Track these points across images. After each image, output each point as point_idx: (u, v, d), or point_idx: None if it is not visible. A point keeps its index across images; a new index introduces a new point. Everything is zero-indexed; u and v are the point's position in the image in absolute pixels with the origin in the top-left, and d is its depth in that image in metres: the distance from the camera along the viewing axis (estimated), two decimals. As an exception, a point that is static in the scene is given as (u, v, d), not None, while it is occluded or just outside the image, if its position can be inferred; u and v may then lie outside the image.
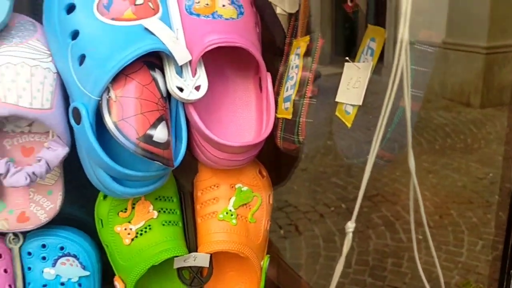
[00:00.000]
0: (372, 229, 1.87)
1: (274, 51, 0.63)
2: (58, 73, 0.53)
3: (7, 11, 0.50)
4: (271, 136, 0.59)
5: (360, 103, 0.45)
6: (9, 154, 0.53)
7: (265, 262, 0.65)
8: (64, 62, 0.51)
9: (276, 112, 0.58)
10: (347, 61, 0.49)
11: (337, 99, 0.50)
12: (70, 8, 0.51)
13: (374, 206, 2.03)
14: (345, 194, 2.14)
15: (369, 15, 0.52)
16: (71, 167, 0.58)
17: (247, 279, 0.66)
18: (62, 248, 0.59)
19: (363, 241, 1.80)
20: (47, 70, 0.52)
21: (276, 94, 0.60)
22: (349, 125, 0.46)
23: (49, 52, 0.53)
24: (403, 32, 0.33)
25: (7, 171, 0.50)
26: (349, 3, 0.49)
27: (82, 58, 0.50)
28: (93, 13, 0.51)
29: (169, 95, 0.54)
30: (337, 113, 0.49)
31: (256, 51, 0.56)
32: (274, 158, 0.68)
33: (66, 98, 0.54)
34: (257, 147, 0.58)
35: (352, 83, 0.47)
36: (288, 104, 0.56)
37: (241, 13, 0.58)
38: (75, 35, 0.51)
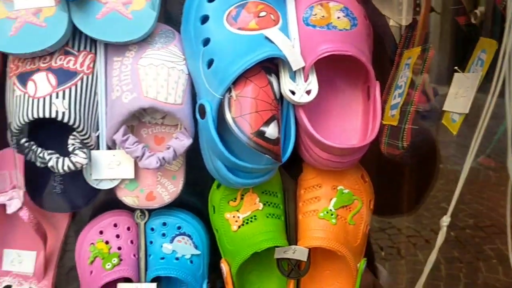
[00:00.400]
0: (483, 262, 1.74)
1: (384, 61, 0.65)
2: (189, 74, 0.62)
3: (153, 21, 0.59)
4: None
5: (467, 111, 0.46)
6: (144, 141, 0.63)
7: (362, 264, 0.66)
8: (196, 65, 0.60)
9: (382, 119, 0.61)
10: (456, 71, 0.50)
11: (444, 108, 0.51)
12: (204, 19, 0.60)
13: (487, 237, 1.89)
14: (455, 222, 2.02)
15: (484, 29, 0.52)
16: (191, 159, 0.66)
17: (343, 279, 0.68)
18: (179, 228, 0.67)
19: (472, 273, 1.68)
20: (181, 71, 0.61)
21: (383, 102, 0.63)
22: (454, 132, 0.47)
23: (183, 57, 0.62)
24: (507, 42, 0.34)
25: (143, 154, 0.59)
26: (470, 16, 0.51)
27: (210, 62, 0.58)
28: (223, 24, 0.59)
29: (281, 97, 0.60)
30: (443, 121, 0.51)
31: (366, 61, 0.60)
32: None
33: (192, 97, 0.63)
34: (360, 151, 0.61)
35: (461, 93, 0.48)
36: (395, 111, 0.58)
37: (355, 25, 0.62)
38: (206, 42, 0.59)
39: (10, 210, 0.62)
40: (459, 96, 0.48)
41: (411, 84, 0.56)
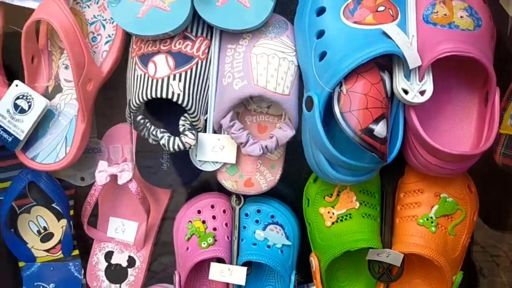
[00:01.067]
0: None
1: (506, 67, 0.61)
2: (298, 66, 0.62)
3: (270, 11, 0.60)
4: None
5: None
6: (248, 129, 0.64)
7: (458, 277, 0.63)
8: (307, 57, 0.60)
9: (499, 127, 0.57)
10: None
11: None
12: (320, 11, 0.59)
13: None
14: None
15: None
16: (290, 150, 0.67)
17: (435, 289, 0.66)
18: (272, 217, 0.68)
19: None
20: (291, 62, 0.62)
21: (502, 109, 0.59)
22: None
23: (294, 48, 0.62)
24: None
25: (247, 141, 0.61)
26: None
27: (323, 55, 0.58)
28: (339, 16, 0.58)
29: (392, 95, 0.58)
30: None
31: (489, 64, 0.56)
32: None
33: (299, 88, 0.63)
34: (472, 159, 0.58)
35: None
36: (516, 121, 0.54)
37: (479, 26, 0.58)
38: (320, 34, 0.59)
39: (120, 181, 0.66)
40: None
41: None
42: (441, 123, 0.61)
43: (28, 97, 0.62)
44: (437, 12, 0.59)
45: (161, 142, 0.60)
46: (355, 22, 0.58)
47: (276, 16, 0.64)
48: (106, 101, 0.70)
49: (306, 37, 0.60)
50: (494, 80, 0.57)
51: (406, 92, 0.57)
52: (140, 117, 0.62)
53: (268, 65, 0.60)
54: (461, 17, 0.58)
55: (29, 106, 0.63)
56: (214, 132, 0.64)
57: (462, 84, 0.62)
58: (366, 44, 0.56)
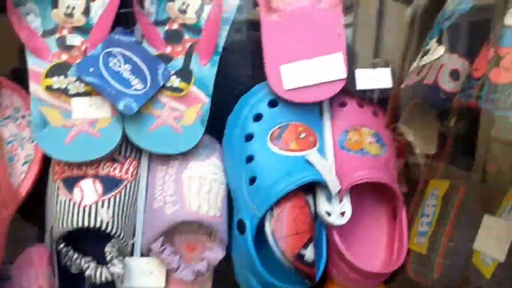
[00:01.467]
0: None
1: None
2: (227, 185, 0.65)
3: (201, 136, 0.62)
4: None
5: (502, 260, 0.49)
6: (177, 248, 0.64)
7: None
8: (237, 180, 0.62)
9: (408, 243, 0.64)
10: (487, 213, 0.54)
11: (475, 246, 0.54)
12: (249, 137, 0.63)
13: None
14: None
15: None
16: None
17: None
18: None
19: None
20: (220, 183, 0.63)
21: (408, 224, 0.66)
22: (487, 276, 0.50)
23: (223, 168, 0.65)
24: None
25: (179, 266, 0.60)
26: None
27: (253, 179, 0.61)
28: (267, 143, 0.62)
29: (315, 217, 0.63)
30: (473, 260, 0.54)
31: (396, 187, 0.64)
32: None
33: (228, 209, 0.65)
34: (386, 275, 0.63)
35: (494, 235, 0.52)
36: (423, 240, 0.61)
37: (385, 151, 0.66)
38: (249, 159, 0.62)
39: (34, 313, 0.60)
40: (492, 238, 0.52)
41: (441, 216, 0.60)
42: (357, 238, 0.67)
43: None
44: (350, 138, 0.66)
45: (87, 273, 0.57)
46: (281, 149, 0.62)
47: (206, 136, 0.66)
48: (18, 221, 0.65)
49: (236, 161, 0.63)
50: (402, 200, 0.64)
51: (329, 214, 0.62)
52: (62, 245, 0.58)
53: (200, 188, 0.62)
54: (370, 143, 0.66)
55: None
56: (141, 255, 0.62)
57: (372, 200, 0.69)
58: (293, 171, 0.60)
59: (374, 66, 0.64)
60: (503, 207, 0.53)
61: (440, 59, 0.55)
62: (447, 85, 0.54)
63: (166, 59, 0.60)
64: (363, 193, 0.68)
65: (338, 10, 0.61)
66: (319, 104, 0.65)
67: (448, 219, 0.59)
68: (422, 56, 0.60)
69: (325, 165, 0.62)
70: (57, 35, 0.59)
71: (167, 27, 0.61)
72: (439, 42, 0.57)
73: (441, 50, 0.56)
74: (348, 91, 0.65)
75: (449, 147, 0.62)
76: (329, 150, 0.65)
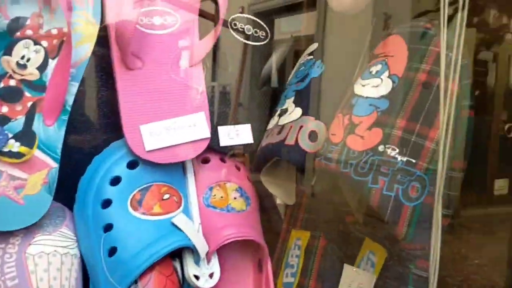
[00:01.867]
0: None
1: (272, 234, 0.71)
2: (81, 257, 0.57)
3: (48, 204, 0.54)
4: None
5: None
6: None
7: None
8: (94, 251, 0.56)
9: (275, 295, 0.65)
10: (346, 263, 0.57)
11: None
12: (106, 203, 0.57)
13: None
14: None
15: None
16: None
17: None
18: None
19: None
20: (74, 256, 0.56)
21: (273, 274, 0.67)
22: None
23: (75, 238, 0.57)
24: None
25: None
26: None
27: (113, 250, 0.55)
28: (127, 208, 0.57)
29: (183, 281, 0.59)
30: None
31: (261, 240, 0.64)
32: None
33: (84, 281, 0.57)
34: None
35: (355, 285, 0.55)
36: (289, 291, 0.63)
37: (249, 204, 0.67)
38: (108, 228, 0.56)
39: None
40: (352, 288, 0.55)
41: (304, 267, 0.62)
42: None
43: None
44: (215, 195, 0.64)
45: None
46: (143, 213, 0.58)
47: (53, 203, 0.58)
48: None
49: (91, 230, 0.57)
50: (266, 253, 0.65)
51: (197, 277, 0.59)
52: None
53: (49, 265, 0.53)
54: (235, 198, 0.66)
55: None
56: None
57: (238, 256, 0.68)
58: (158, 238, 0.56)
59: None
60: (361, 257, 0.57)
61: (298, 121, 0.58)
62: (307, 146, 0.57)
63: (2, 120, 0.51)
64: (229, 249, 0.67)
65: (199, 68, 0.60)
66: (182, 161, 0.63)
67: (312, 270, 0.61)
68: (280, 115, 0.62)
69: (192, 228, 0.59)
70: (1, 84, 0.50)
71: (2, 84, 0.52)
72: (296, 103, 0.59)
73: (298, 112, 0.59)
74: (210, 147, 0.64)
75: (309, 199, 0.65)
76: (195, 210, 0.62)
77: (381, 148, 0.47)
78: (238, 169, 0.68)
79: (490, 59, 0.89)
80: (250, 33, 0.65)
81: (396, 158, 0.46)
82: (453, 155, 0.47)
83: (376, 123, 0.48)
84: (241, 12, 0.70)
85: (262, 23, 0.67)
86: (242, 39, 0.65)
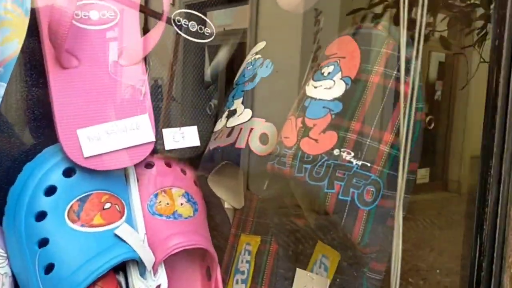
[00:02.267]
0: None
1: (219, 238, 0.69)
2: (13, 276, 0.52)
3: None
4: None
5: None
6: None
7: None
8: (28, 269, 0.50)
9: (225, 302, 0.63)
10: (298, 267, 0.56)
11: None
12: (40, 215, 0.52)
13: None
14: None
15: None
16: None
17: None
18: None
19: None
20: (5, 275, 0.51)
21: (223, 281, 0.65)
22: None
23: (6, 255, 0.52)
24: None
25: None
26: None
27: (50, 267, 0.50)
28: (64, 220, 0.52)
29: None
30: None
31: (210, 246, 0.61)
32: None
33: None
34: None
35: (307, 289, 0.54)
36: (241, 299, 0.61)
37: (196, 210, 0.64)
38: (43, 243, 0.51)
39: None
40: (305, 294, 0.54)
41: (256, 273, 0.60)
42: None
43: None
44: (160, 202, 0.61)
45: None
46: (83, 225, 0.53)
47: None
48: None
49: (24, 245, 0.51)
50: (216, 260, 0.63)
51: (143, 291, 0.55)
52: None
53: (-27, 289, 0.48)
54: (182, 204, 0.62)
55: None
56: None
57: (186, 264, 0.65)
58: (100, 251, 0.52)
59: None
60: (313, 261, 0.56)
61: (248, 123, 0.56)
62: (258, 148, 0.55)
63: None
64: (176, 258, 0.64)
65: (140, 67, 0.56)
66: (124, 167, 0.59)
67: (264, 275, 0.60)
68: (228, 117, 0.60)
69: (137, 239, 0.55)
70: None
71: None
72: (245, 104, 0.57)
73: (248, 113, 0.57)
74: (154, 151, 0.60)
75: (259, 202, 0.63)
76: (139, 219, 0.58)
77: (336, 152, 0.46)
78: (184, 173, 0.64)
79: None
80: (194, 29, 0.62)
81: (352, 162, 0.46)
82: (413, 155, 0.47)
83: (330, 126, 0.47)
84: (173, 4, 0.67)
85: (207, 19, 0.64)
86: (186, 36, 0.61)
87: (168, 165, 0.63)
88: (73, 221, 0.53)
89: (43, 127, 0.55)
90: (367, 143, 0.46)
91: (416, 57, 0.42)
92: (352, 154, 0.46)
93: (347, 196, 0.45)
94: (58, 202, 0.53)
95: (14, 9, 0.50)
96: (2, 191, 0.54)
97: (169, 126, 0.60)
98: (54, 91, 0.52)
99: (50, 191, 0.53)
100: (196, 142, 0.62)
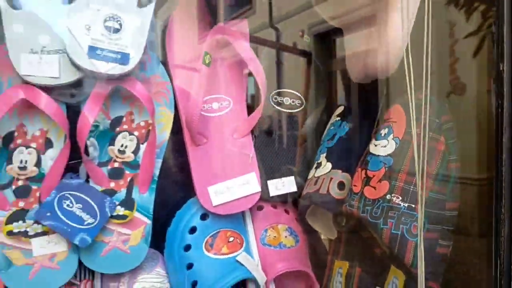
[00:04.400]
0: None
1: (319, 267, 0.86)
2: (171, 290, 0.76)
3: (146, 253, 0.73)
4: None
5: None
6: None
7: None
8: (181, 286, 0.74)
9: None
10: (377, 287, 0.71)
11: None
12: (187, 248, 0.75)
13: None
14: None
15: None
16: None
17: None
18: None
19: None
20: (166, 290, 0.75)
21: (323, 299, 0.82)
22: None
23: (166, 275, 0.76)
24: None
25: None
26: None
27: (195, 283, 0.73)
28: (203, 251, 0.75)
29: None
30: None
31: (310, 271, 0.79)
32: None
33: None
34: None
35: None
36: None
37: (298, 241, 0.82)
38: (190, 266, 0.74)
39: None
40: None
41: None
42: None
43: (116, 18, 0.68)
44: (269, 235, 0.81)
45: None
46: (215, 254, 0.75)
47: (149, 250, 0.77)
48: None
49: (177, 269, 0.75)
50: (315, 280, 0.80)
51: (258, 307, 0.75)
52: None
53: (149, 299, 0.72)
54: (285, 236, 0.81)
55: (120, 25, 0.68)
56: None
57: (292, 284, 0.83)
58: (227, 272, 0.73)
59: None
60: (388, 281, 0.70)
61: (329, 173, 0.73)
62: (336, 194, 0.72)
63: (111, 193, 0.71)
64: (283, 279, 0.83)
65: (248, 138, 0.78)
66: (241, 211, 0.80)
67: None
68: (316, 168, 0.77)
69: (252, 263, 0.75)
70: (13, 187, 0.68)
71: (109, 166, 0.72)
72: (327, 159, 0.75)
73: (329, 166, 0.74)
74: (263, 198, 0.80)
75: (346, 235, 0.79)
76: (254, 248, 0.79)
77: (388, 196, 0.61)
78: (287, 212, 0.84)
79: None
80: (288, 103, 0.82)
81: (400, 204, 0.60)
82: (446, 199, 0.60)
83: (384, 177, 0.62)
84: (301, 36, 0.86)
85: (297, 93, 0.83)
86: (282, 109, 0.82)
87: (274, 207, 0.83)
88: (208, 251, 0.75)
89: (187, 185, 0.79)
90: (411, 189, 0.60)
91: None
92: (400, 198, 0.60)
93: (398, 230, 0.60)
94: (198, 238, 0.76)
95: (165, 110, 0.75)
96: (162, 232, 0.78)
97: (272, 177, 0.80)
98: (192, 160, 0.76)
99: (193, 230, 0.76)
100: (294, 189, 0.81)
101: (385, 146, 0.65)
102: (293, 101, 0.83)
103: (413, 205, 0.60)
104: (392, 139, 0.64)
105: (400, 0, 0.61)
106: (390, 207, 0.61)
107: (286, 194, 0.82)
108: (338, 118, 0.80)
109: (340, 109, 0.81)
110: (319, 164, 0.77)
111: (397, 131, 0.64)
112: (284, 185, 0.81)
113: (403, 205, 0.60)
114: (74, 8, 0.68)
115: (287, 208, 0.84)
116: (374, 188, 0.63)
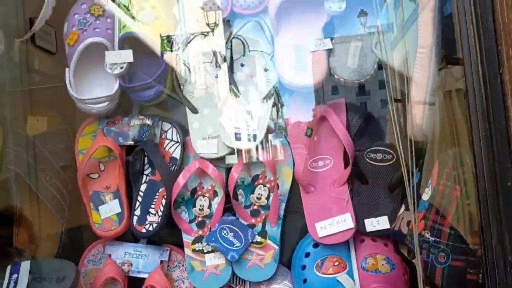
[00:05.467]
0: None
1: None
2: (296, 299, 1.06)
3: (276, 268, 1.06)
4: None
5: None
6: None
7: None
8: (299, 297, 1.04)
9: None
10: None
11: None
12: (303, 267, 1.04)
13: None
14: None
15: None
16: None
17: None
18: None
19: None
20: (288, 298, 1.05)
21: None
22: None
23: (292, 287, 1.06)
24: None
25: None
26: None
27: (308, 293, 1.02)
28: (314, 270, 1.03)
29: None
30: None
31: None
32: None
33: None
34: None
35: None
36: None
37: (393, 268, 1.01)
38: (305, 281, 1.03)
39: None
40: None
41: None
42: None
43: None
44: (368, 262, 1.03)
45: None
46: (323, 273, 1.02)
47: (281, 267, 1.09)
48: None
49: (296, 282, 1.05)
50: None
51: (356, 311, 0.98)
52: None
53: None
54: (382, 264, 1.02)
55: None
56: None
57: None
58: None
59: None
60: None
61: (402, 213, 0.93)
62: (405, 230, 0.91)
63: (252, 226, 1.08)
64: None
65: (345, 187, 1.04)
66: (346, 242, 1.04)
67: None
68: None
69: (350, 283, 0.99)
70: (196, 221, 1.11)
71: (251, 208, 1.09)
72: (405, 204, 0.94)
73: (402, 208, 0.94)
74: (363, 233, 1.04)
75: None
76: (355, 272, 1.03)
77: (423, 232, 0.78)
78: (386, 245, 1.04)
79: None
80: (380, 158, 1.04)
81: (429, 239, 0.76)
82: (466, 234, 0.73)
83: (422, 217, 0.80)
84: None
85: (388, 149, 1.05)
86: (375, 163, 1.04)
87: (374, 240, 1.05)
88: (318, 271, 1.03)
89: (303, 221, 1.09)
90: (436, 227, 0.76)
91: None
92: (429, 233, 0.76)
93: (428, 259, 0.76)
94: (311, 261, 1.05)
95: (287, 168, 1.08)
96: (288, 255, 1.10)
97: (368, 217, 1.03)
98: (304, 204, 1.07)
99: (307, 255, 1.05)
100: (387, 226, 1.01)
101: (426, 193, 0.82)
102: (385, 156, 1.05)
103: (438, 239, 0.75)
104: (429, 188, 0.81)
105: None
106: (423, 241, 0.78)
107: (381, 230, 1.03)
108: (417, 169, 0.98)
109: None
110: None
111: (433, 181, 0.81)
112: (378, 223, 1.02)
113: (432, 239, 0.76)
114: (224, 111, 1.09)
115: (386, 242, 1.04)
116: (418, 226, 0.81)
